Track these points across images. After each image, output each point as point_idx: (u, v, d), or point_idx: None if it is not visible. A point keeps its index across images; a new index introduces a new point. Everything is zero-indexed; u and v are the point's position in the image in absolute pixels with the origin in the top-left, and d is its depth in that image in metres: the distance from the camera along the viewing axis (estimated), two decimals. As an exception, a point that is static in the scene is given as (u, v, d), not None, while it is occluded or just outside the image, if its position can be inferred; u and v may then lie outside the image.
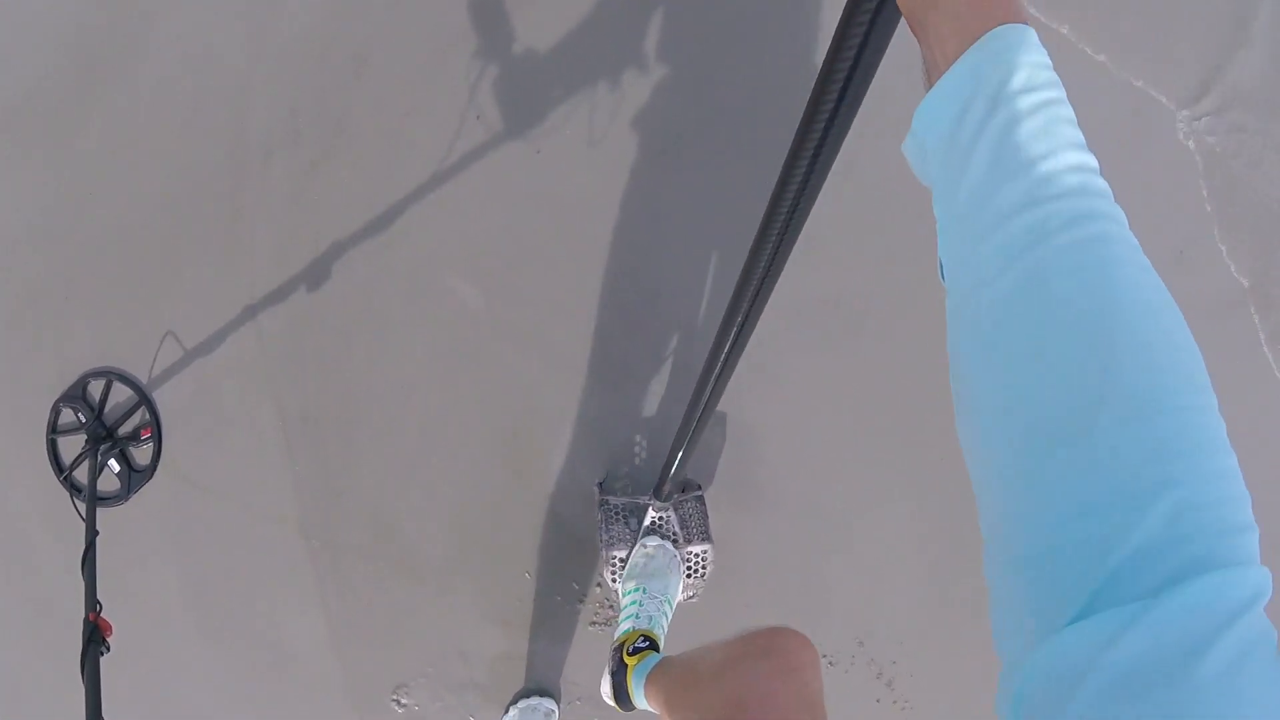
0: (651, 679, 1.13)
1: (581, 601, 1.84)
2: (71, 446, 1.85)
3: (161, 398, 1.86)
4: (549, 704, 1.83)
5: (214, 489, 1.85)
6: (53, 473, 1.85)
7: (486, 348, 1.84)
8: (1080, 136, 0.43)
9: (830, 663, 1.90)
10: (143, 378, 1.86)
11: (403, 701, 1.84)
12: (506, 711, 1.83)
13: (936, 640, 1.89)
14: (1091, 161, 0.42)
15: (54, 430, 1.84)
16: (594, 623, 1.83)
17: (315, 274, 1.87)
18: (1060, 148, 0.41)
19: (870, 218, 1.80)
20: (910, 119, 0.48)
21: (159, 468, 1.84)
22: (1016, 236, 0.40)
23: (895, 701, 1.89)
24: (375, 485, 1.84)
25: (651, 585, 1.63)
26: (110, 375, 1.84)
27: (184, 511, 1.85)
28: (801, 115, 0.56)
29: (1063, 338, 0.38)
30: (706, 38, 1.85)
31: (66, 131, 1.92)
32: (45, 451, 1.85)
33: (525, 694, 1.84)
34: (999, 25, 0.42)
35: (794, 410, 1.84)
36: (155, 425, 1.84)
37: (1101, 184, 0.42)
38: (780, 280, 0.77)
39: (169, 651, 1.87)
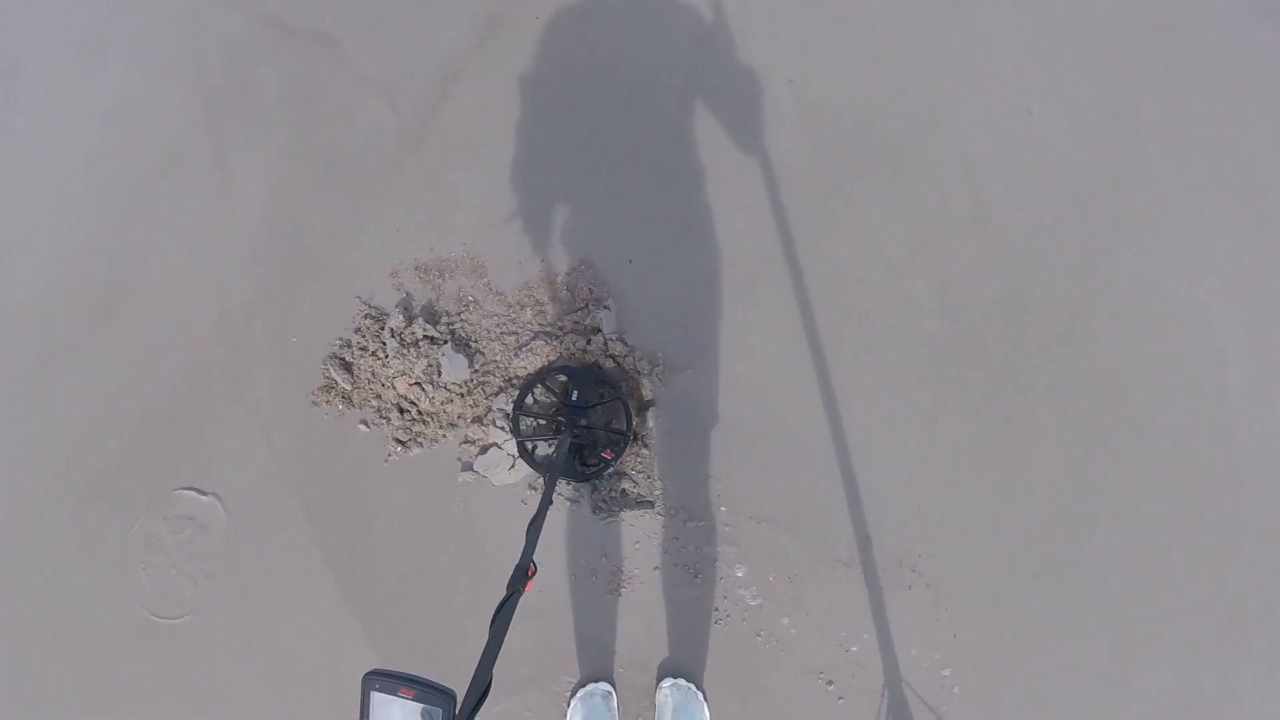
0: None
1: (615, 577, 1.96)
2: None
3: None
4: (605, 687, 1.96)
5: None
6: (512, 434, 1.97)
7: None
8: None
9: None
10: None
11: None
12: (569, 704, 1.96)
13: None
14: None
15: (519, 406, 1.98)
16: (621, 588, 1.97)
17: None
18: None
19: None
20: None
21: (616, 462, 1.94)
22: None
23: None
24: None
25: (679, 718, 1.85)
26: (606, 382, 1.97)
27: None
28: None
29: None
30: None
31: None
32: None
33: (581, 683, 1.97)
34: None
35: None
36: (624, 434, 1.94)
37: None
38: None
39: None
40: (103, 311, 2.24)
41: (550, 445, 1.96)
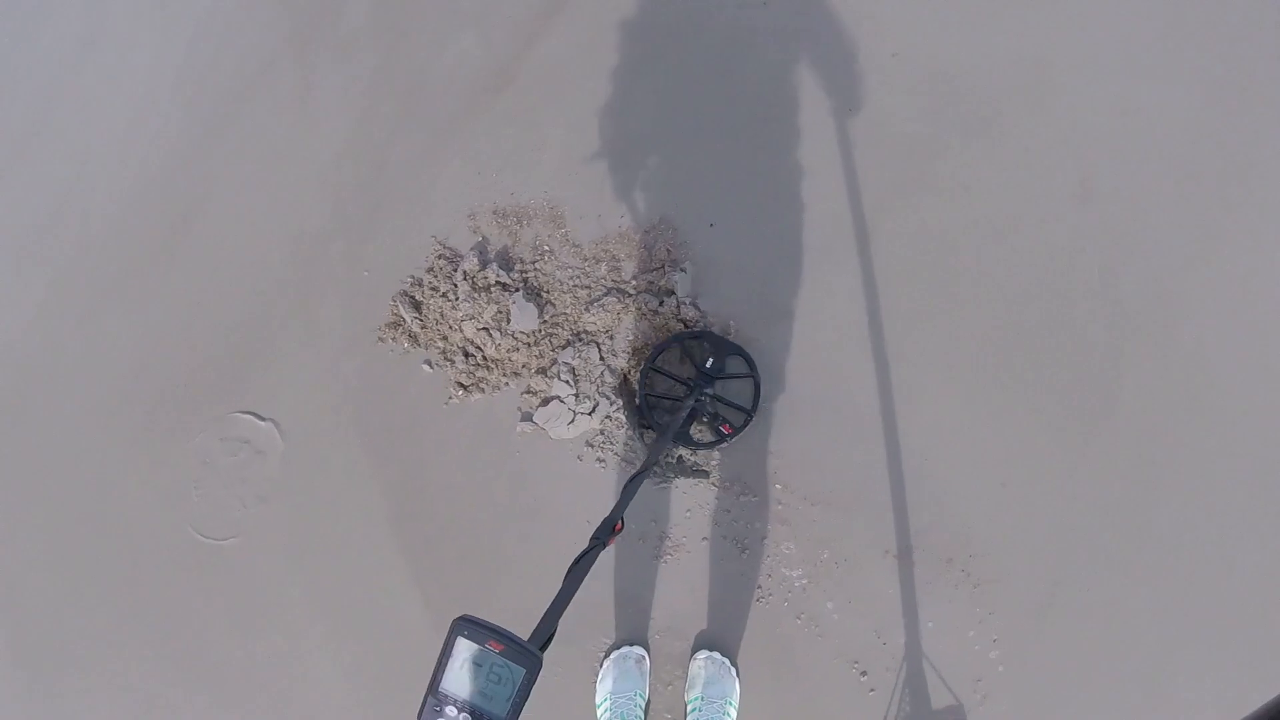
0: None
1: (662, 543, 1.96)
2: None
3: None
4: (639, 651, 1.95)
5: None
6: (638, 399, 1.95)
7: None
8: None
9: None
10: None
11: (497, 667, 2.00)
12: (601, 664, 1.96)
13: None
14: None
15: (653, 364, 1.95)
16: (666, 555, 1.96)
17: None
18: None
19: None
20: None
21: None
22: None
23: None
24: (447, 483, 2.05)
25: (710, 692, 1.83)
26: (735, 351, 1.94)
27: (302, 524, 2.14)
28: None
29: None
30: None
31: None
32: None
33: (616, 645, 1.97)
34: None
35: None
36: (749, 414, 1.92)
37: None
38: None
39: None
40: (180, 229, 2.26)
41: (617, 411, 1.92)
